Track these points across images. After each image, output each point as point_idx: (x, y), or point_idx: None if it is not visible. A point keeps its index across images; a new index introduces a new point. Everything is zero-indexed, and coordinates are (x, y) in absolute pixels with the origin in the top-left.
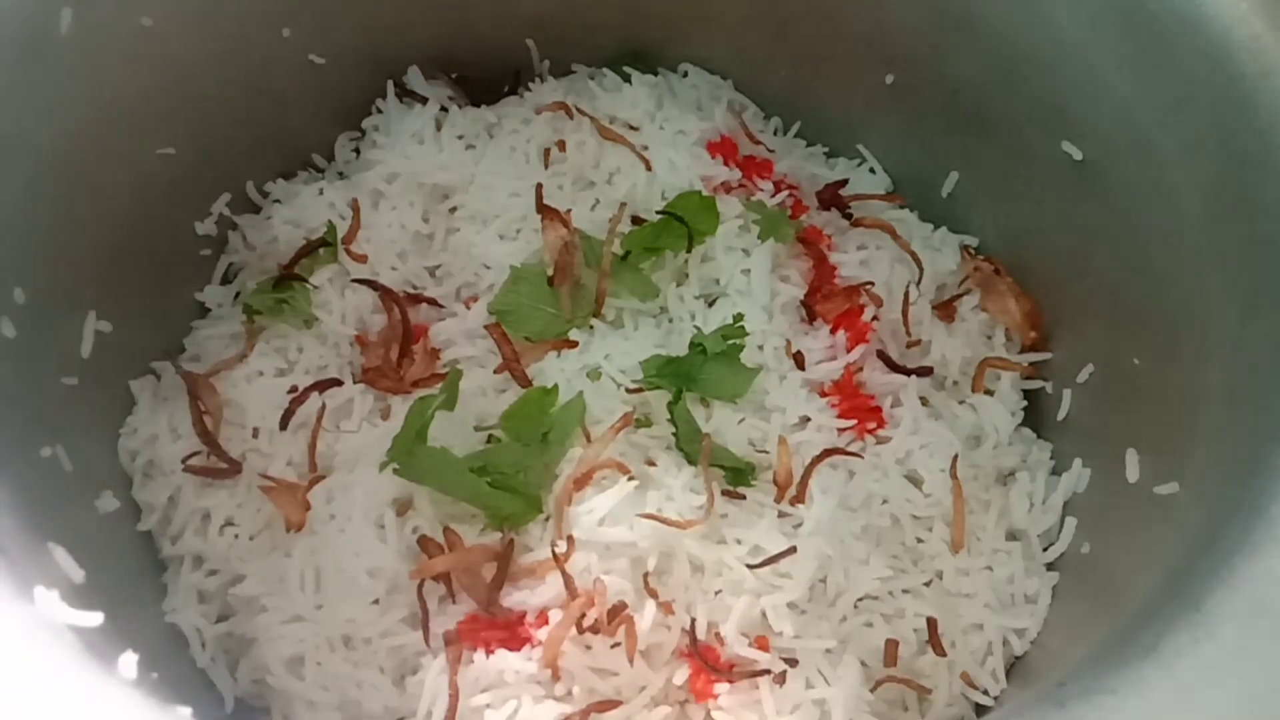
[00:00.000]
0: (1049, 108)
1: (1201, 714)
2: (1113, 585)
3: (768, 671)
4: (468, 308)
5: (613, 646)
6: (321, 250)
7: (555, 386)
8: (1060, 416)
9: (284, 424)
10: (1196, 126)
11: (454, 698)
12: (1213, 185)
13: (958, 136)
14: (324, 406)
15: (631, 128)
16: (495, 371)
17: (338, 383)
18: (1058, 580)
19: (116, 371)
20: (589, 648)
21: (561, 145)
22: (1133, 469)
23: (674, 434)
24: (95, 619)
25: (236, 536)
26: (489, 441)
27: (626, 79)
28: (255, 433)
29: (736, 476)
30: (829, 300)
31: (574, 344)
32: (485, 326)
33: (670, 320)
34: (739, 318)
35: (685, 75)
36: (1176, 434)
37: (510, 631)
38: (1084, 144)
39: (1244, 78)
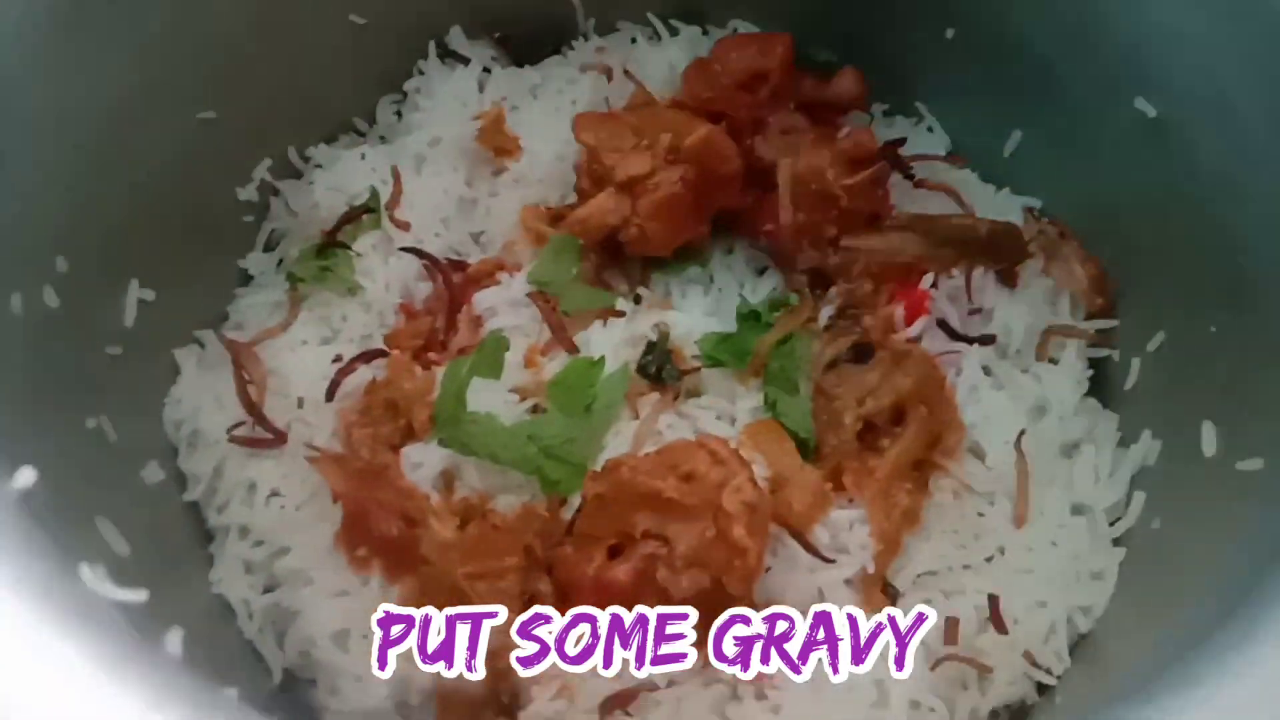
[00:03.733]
0: (1120, 62)
1: None
2: (1188, 564)
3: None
4: (511, 275)
5: None
6: (365, 217)
7: (602, 358)
8: (1128, 386)
9: (330, 396)
10: None
11: None
12: None
13: (1021, 94)
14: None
15: None
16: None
17: (384, 353)
18: (1124, 557)
19: (160, 340)
20: None
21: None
22: (1209, 442)
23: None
24: (140, 595)
25: (283, 507)
26: (534, 411)
27: (675, 32)
28: (300, 402)
29: (804, 449)
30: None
31: (620, 313)
32: (529, 295)
33: (720, 290)
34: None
35: (735, 32)
36: (1260, 407)
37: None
38: (1158, 101)
39: None
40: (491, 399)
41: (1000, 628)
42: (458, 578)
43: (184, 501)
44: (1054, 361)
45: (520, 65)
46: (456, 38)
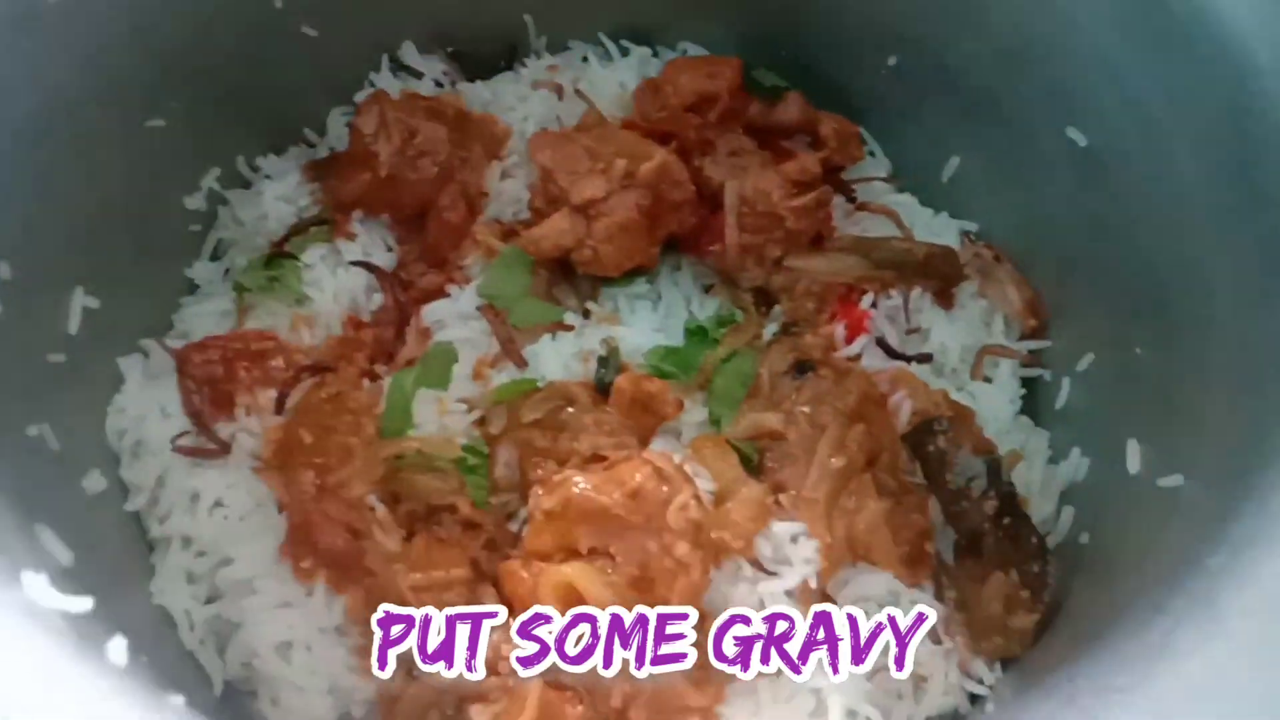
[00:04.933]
0: (1055, 93)
1: (1214, 713)
2: (1113, 577)
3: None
4: (461, 288)
5: None
6: (313, 229)
7: (535, 380)
8: (1059, 405)
9: (279, 409)
10: (1207, 116)
11: None
12: (1222, 176)
13: (960, 121)
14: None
15: None
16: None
17: (332, 369)
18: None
19: (105, 349)
20: None
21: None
22: (1134, 460)
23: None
24: (85, 604)
25: (226, 518)
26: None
27: (625, 52)
28: (247, 410)
29: (745, 463)
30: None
31: (570, 327)
32: (479, 308)
33: (667, 306)
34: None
35: (684, 53)
36: (1180, 426)
37: None
38: (1089, 131)
39: (1258, 69)
40: (437, 411)
41: (935, 638)
42: (403, 590)
43: (126, 511)
44: (988, 380)
45: (471, 80)
46: (409, 51)
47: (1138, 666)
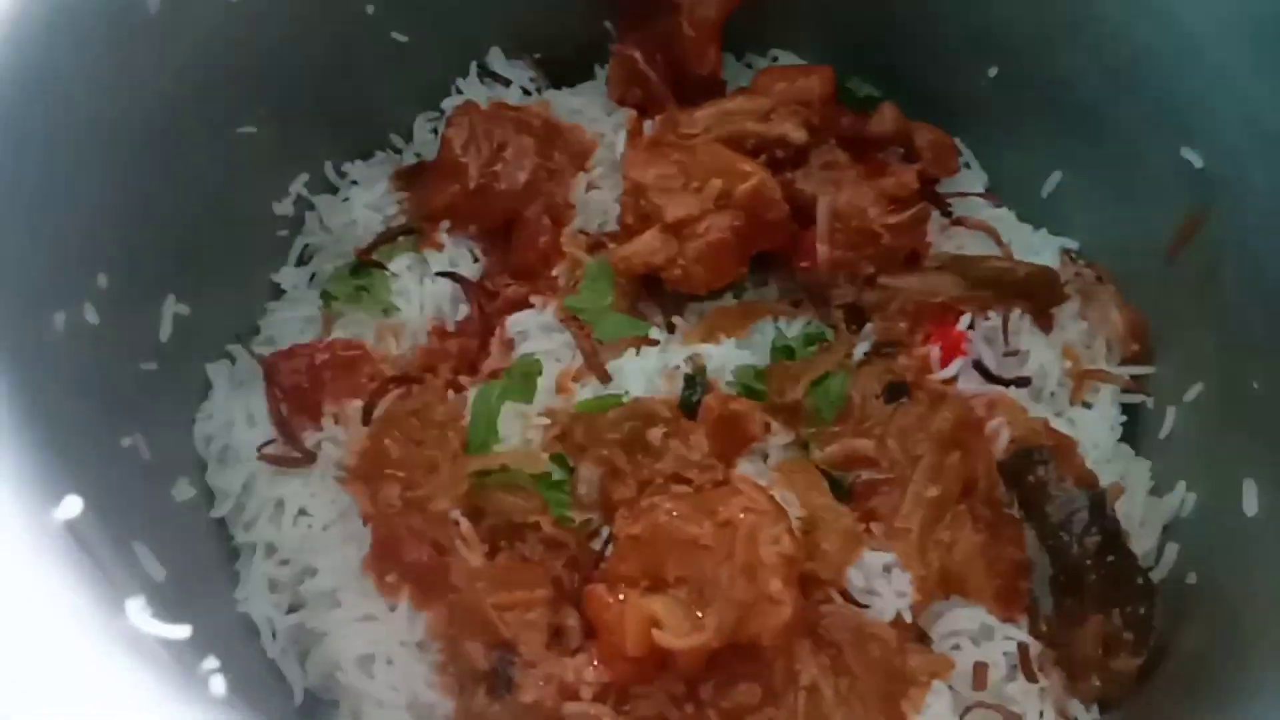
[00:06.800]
0: (1167, 110)
1: None
2: (1228, 621)
3: None
4: (545, 300)
5: None
6: (400, 238)
7: (619, 396)
8: (1163, 435)
9: (365, 419)
10: None
11: None
12: None
13: (1063, 135)
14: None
15: None
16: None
17: (418, 380)
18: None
19: (193, 355)
20: None
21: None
22: (1251, 500)
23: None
24: (184, 631)
25: (310, 527)
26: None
27: None
28: (335, 419)
29: (835, 489)
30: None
31: (654, 342)
32: (562, 320)
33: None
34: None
35: (776, 61)
36: None
37: None
38: (1205, 151)
39: None
40: (521, 425)
41: (1030, 675)
42: (486, 608)
43: (211, 518)
44: (1088, 406)
45: (558, 87)
46: (496, 58)
47: (1258, 715)
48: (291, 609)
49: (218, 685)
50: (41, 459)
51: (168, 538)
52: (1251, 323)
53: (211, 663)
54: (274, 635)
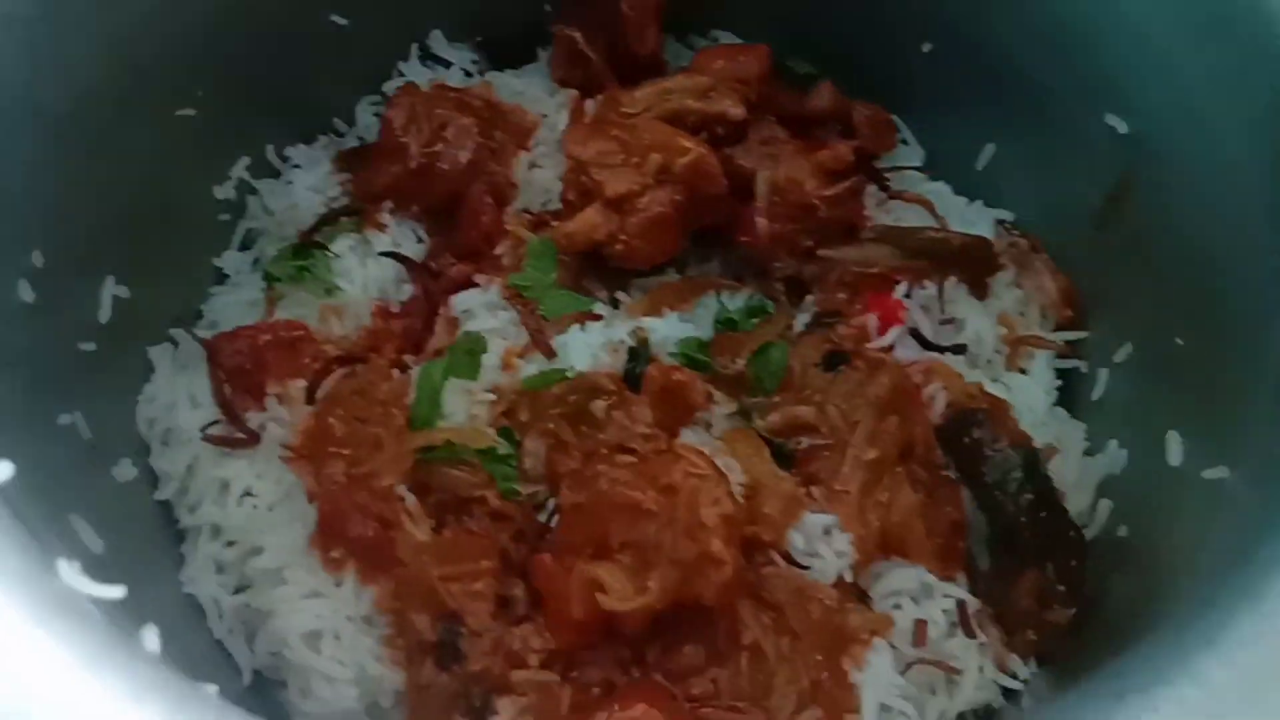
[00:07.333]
0: (1094, 79)
1: (1270, 706)
2: (1156, 571)
3: None
4: (489, 278)
5: None
6: (342, 219)
7: (564, 371)
8: (1095, 397)
9: (309, 399)
10: (1258, 99)
11: None
12: (1275, 162)
13: (995, 109)
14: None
15: None
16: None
17: (362, 359)
18: (1090, 564)
19: (135, 337)
20: None
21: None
22: (1175, 452)
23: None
24: (118, 591)
25: (255, 507)
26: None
27: None
28: (279, 399)
29: (777, 455)
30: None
31: (598, 317)
32: (506, 298)
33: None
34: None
35: (715, 41)
36: (1226, 418)
37: None
38: (1131, 117)
39: None
40: (466, 401)
41: (969, 631)
42: (433, 580)
43: (155, 500)
44: (1023, 371)
45: (500, 69)
46: (437, 41)
47: (1188, 660)
48: (238, 589)
49: (151, 641)
50: None
51: (108, 515)
52: (1176, 282)
53: (152, 630)
54: (220, 615)
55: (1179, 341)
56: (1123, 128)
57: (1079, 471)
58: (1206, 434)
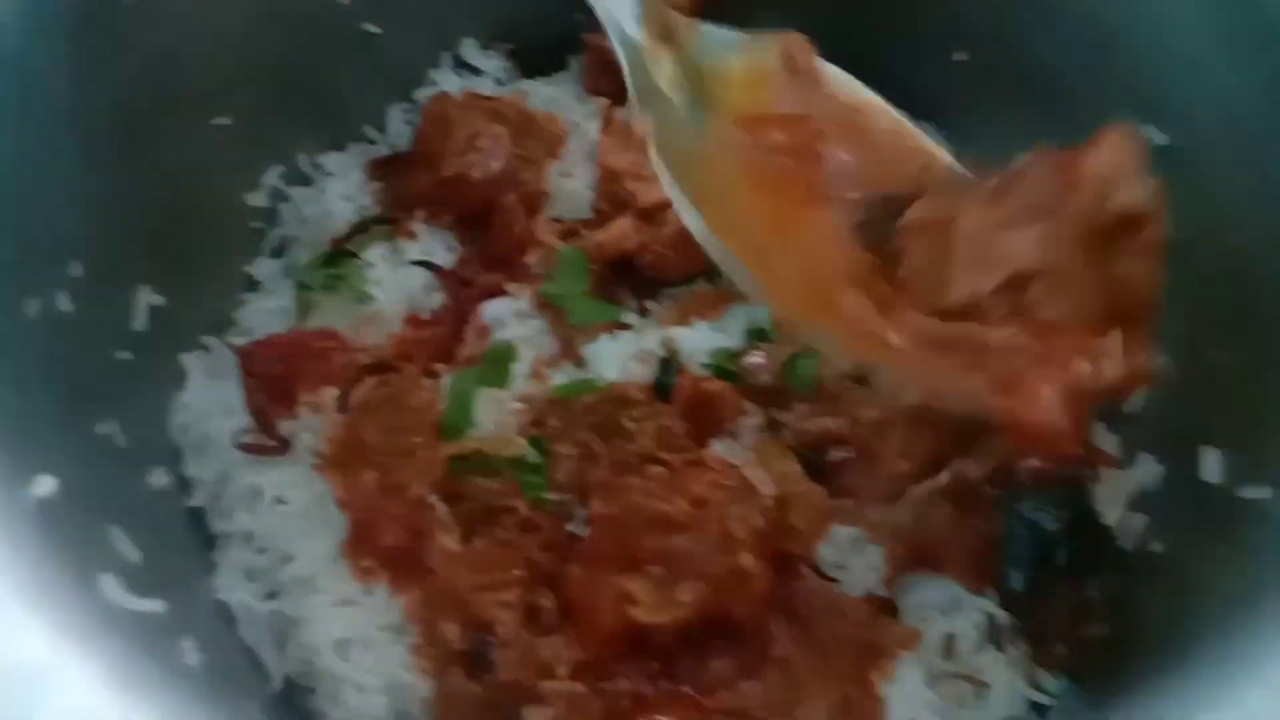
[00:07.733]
0: (1131, 89)
1: None
2: (1193, 589)
3: None
4: (520, 287)
5: None
6: (374, 227)
7: (593, 380)
8: (1128, 408)
9: (341, 407)
10: None
11: None
12: None
13: (1030, 118)
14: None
15: None
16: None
17: (394, 368)
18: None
19: (169, 346)
20: None
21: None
22: (1212, 469)
23: None
24: (157, 605)
25: (287, 515)
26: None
27: None
28: (311, 408)
29: (808, 467)
30: None
31: (628, 326)
32: (538, 306)
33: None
34: None
35: None
36: (1267, 437)
37: None
38: (1171, 129)
39: None
40: (495, 410)
41: (998, 646)
42: (463, 590)
43: (187, 506)
44: None
45: (532, 77)
46: (469, 49)
47: (1225, 679)
48: (269, 596)
49: (191, 655)
50: (12, 440)
51: (143, 523)
52: (1211, 295)
53: (188, 641)
54: (252, 622)
55: (1219, 359)
56: (1160, 139)
57: (1111, 484)
58: (1246, 451)
